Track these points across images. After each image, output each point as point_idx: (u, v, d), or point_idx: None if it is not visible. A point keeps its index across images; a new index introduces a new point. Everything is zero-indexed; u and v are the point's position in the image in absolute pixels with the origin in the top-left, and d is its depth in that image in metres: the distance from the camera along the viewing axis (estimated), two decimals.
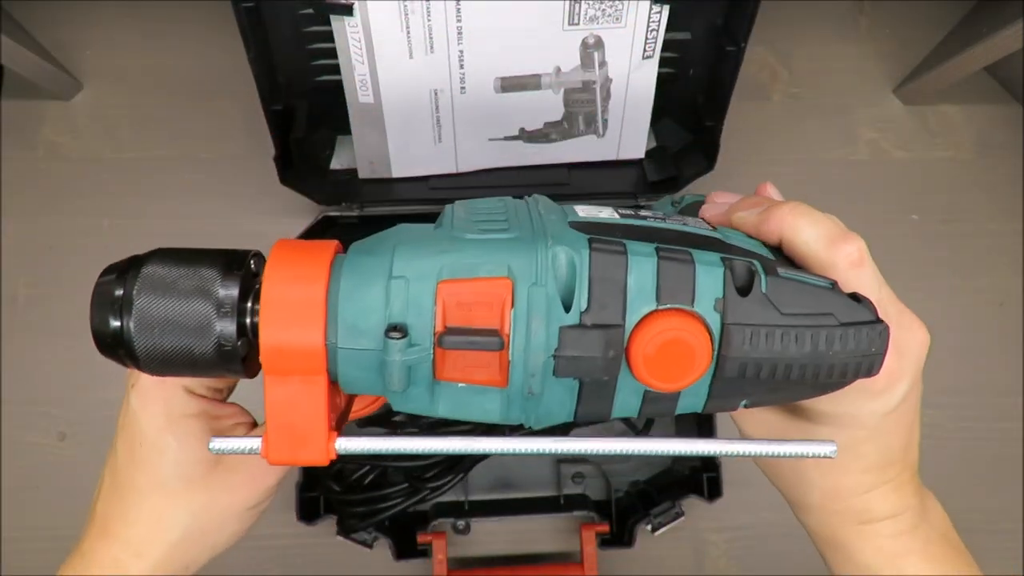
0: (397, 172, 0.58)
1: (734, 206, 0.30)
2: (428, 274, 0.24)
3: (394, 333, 0.24)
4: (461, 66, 0.50)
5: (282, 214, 0.62)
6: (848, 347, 0.24)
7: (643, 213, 0.28)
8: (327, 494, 0.54)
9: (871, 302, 0.25)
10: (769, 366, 0.24)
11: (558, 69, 0.51)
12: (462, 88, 0.52)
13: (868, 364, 0.25)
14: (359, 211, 0.57)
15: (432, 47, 0.49)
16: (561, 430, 0.50)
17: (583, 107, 0.54)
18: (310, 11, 0.48)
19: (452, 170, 0.58)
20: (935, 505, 0.32)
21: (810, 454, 0.26)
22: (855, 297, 0.25)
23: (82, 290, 0.27)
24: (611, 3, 0.47)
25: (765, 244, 0.28)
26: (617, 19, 0.48)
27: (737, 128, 0.58)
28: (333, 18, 0.47)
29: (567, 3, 0.47)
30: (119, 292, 0.26)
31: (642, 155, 0.59)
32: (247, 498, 0.33)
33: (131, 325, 0.26)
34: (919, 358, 0.28)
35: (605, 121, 0.55)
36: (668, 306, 0.24)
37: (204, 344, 0.26)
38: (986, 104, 0.69)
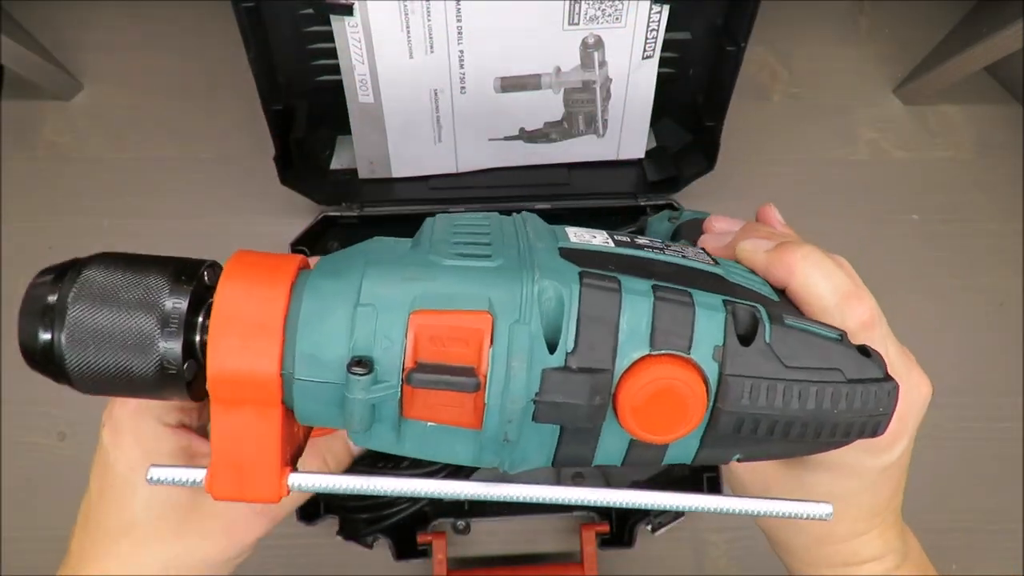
0: (397, 172, 0.58)
1: (738, 235, 0.28)
2: (399, 303, 0.22)
3: (358, 368, 0.21)
4: (461, 66, 0.50)
5: (282, 214, 0.62)
6: (855, 406, 0.22)
7: (640, 241, 0.26)
8: (330, 498, 0.54)
9: (880, 356, 0.23)
10: (768, 422, 0.22)
11: (558, 69, 0.51)
12: (462, 88, 0.52)
13: (873, 424, 0.23)
14: (359, 211, 0.57)
15: (432, 47, 0.49)
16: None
17: (583, 107, 0.54)
18: (310, 11, 0.48)
19: (452, 170, 0.58)
20: (912, 540, 0.32)
21: (807, 516, 0.24)
22: (864, 351, 0.23)
23: None
24: (611, 3, 0.47)
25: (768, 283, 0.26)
26: (617, 19, 0.48)
27: (737, 128, 0.58)
28: (333, 18, 0.47)
29: (567, 3, 0.47)
30: (52, 299, 0.23)
31: (642, 155, 0.59)
32: (224, 549, 0.30)
33: (62, 338, 0.23)
34: (921, 414, 0.28)
35: (605, 121, 0.55)
36: (662, 351, 0.22)
37: (145, 364, 0.23)
38: (986, 104, 0.69)
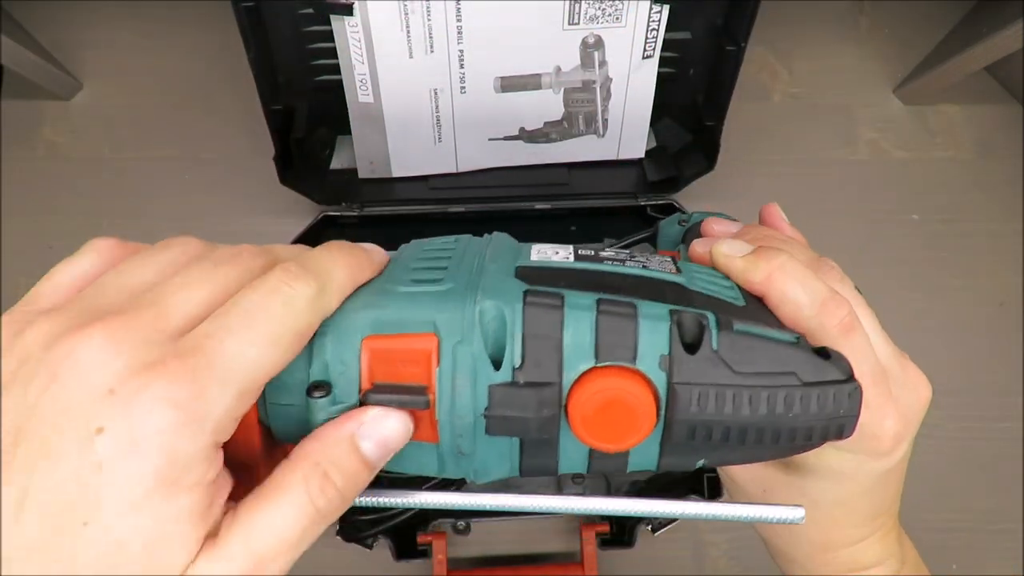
0: (397, 172, 0.58)
1: (718, 241, 0.28)
2: (353, 331, 0.23)
3: (316, 392, 0.22)
4: (461, 66, 0.50)
5: (282, 214, 0.62)
6: (811, 410, 0.22)
7: (604, 254, 0.26)
8: None
9: (843, 358, 0.23)
10: (721, 429, 0.22)
11: (558, 69, 0.51)
12: (462, 88, 0.52)
13: (837, 427, 0.23)
14: (359, 211, 0.57)
15: (432, 47, 0.49)
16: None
17: (583, 107, 0.54)
18: (310, 11, 0.48)
19: (452, 170, 0.58)
20: (908, 544, 0.32)
21: (778, 519, 0.24)
22: (823, 353, 0.23)
23: None
24: (611, 3, 0.47)
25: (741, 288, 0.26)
26: (617, 19, 0.48)
27: (737, 128, 0.58)
28: (333, 18, 0.47)
29: (567, 3, 0.47)
30: None
31: (642, 155, 0.59)
32: None
33: None
34: (921, 416, 0.27)
35: (605, 121, 0.55)
36: (608, 363, 0.22)
37: None
38: (986, 104, 0.69)
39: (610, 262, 0.26)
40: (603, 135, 0.56)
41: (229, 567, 0.19)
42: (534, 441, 0.23)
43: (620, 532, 0.57)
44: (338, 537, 0.53)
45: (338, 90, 0.51)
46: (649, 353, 0.22)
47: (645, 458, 0.24)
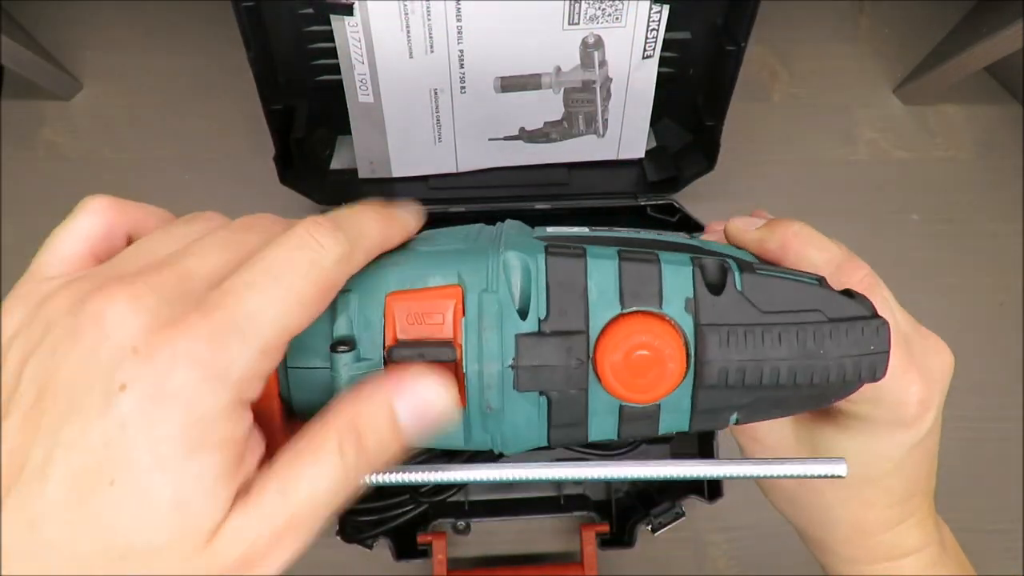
0: (397, 172, 0.58)
1: (731, 219, 0.28)
2: (376, 287, 0.23)
3: (341, 347, 0.22)
4: (461, 66, 0.50)
5: (282, 214, 0.61)
6: (842, 346, 0.22)
7: (618, 228, 0.27)
8: None
9: (866, 299, 0.23)
10: (753, 370, 0.22)
11: (558, 69, 0.51)
12: (462, 88, 0.52)
13: (870, 366, 0.23)
14: None
15: (432, 47, 0.49)
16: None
17: (583, 107, 0.54)
18: (310, 11, 0.48)
19: (452, 170, 0.58)
20: (946, 529, 0.32)
21: (819, 474, 0.23)
22: (848, 293, 0.23)
23: None
24: (611, 3, 0.47)
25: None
26: (617, 19, 0.48)
27: (737, 128, 0.58)
28: (333, 18, 0.47)
29: (567, 3, 0.47)
30: None
31: (642, 155, 0.59)
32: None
33: None
34: (946, 383, 0.27)
35: (605, 121, 0.55)
36: (634, 309, 0.22)
37: None
38: (986, 104, 0.69)
39: (625, 232, 0.26)
40: (603, 135, 0.56)
41: (262, 524, 0.19)
42: (563, 400, 0.23)
43: (620, 532, 0.57)
44: (338, 537, 0.53)
45: (338, 90, 0.51)
46: (674, 297, 0.22)
47: (676, 416, 0.23)
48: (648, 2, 0.47)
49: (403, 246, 0.25)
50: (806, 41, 0.70)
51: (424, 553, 0.55)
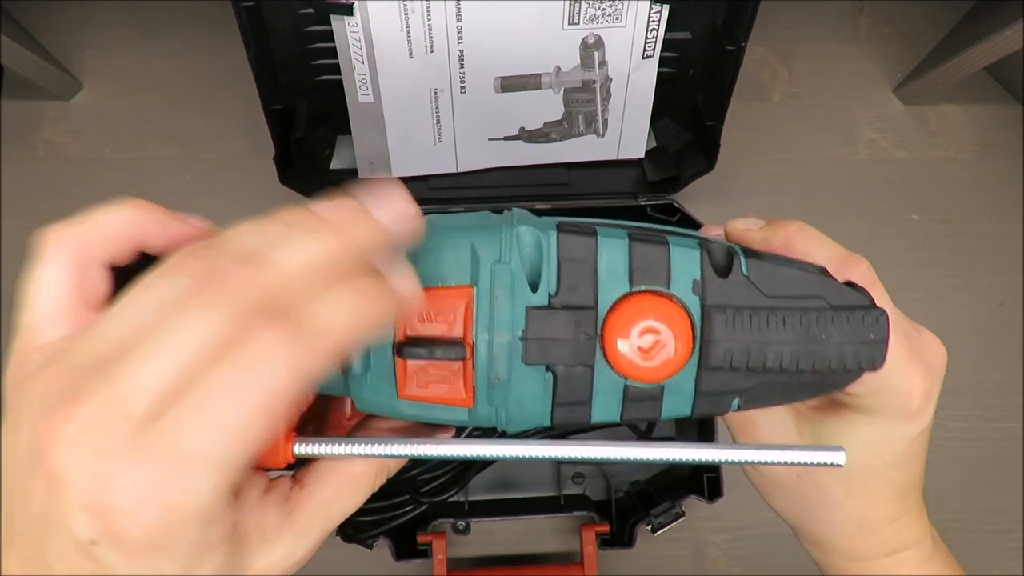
0: (397, 172, 0.58)
1: (732, 220, 0.29)
2: None
3: None
4: (461, 66, 0.50)
5: None
6: (843, 333, 0.22)
7: (624, 222, 0.27)
8: None
9: (865, 291, 0.24)
10: (757, 352, 0.22)
11: (558, 69, 0.51)
12: (462, 88, 0.52)
13: (869, 354, 0.23)
14: None
15: (432, 47, 0.49)
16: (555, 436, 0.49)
17: (583, 107, 0.54)
18: (310, 11, 0.48)
19: (452, 170, 0.58)
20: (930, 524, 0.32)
21: (819, 462, 0.23)
22: (849, 284, 0.24)
23: None
24: (611, 3, 0.47)
25: None
26: (617, 19, 0.48)
27: (737, 128, 0.58)
28: (333, 18, 0.47)
29: (567, 3, 0.47)
30: None
31: (642, 155, 0.59)
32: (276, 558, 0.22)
33: None
34: (942, 375, 0.28)
35: (605, 121, 0.55)
36: (642, 288, 0.23)
37: None
38: (986, 104, 0.69)
39: (633, 223, 0.26)
40: (603, 135, 0.56)
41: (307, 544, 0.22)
42: (568, 375, 0.23)
43: (620, 532, 0.57)
44: (338, 537, 0.53)
45: (338, 90, 0.51)
46: (682, 278, 0.23)
47: (680, 398, 0.24)
48: (648, 2, 0.47)
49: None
50: (806, 41, 0.70)
51: (424, 553, 0.55)
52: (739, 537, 0.60)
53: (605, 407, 0.24)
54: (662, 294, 0.23)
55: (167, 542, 0.17)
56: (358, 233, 0.19)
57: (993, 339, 0.64)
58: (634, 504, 0.59)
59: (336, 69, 0.50)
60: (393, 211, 0.20)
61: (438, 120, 0.54)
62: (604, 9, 0.47)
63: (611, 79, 0.52)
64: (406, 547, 0.55)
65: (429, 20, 0.47)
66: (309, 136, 0.56)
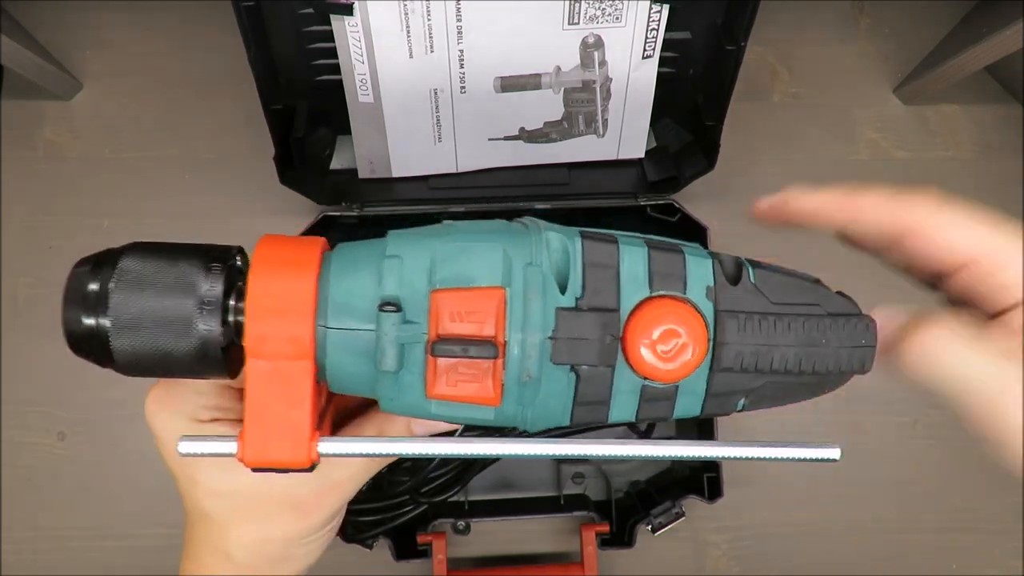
0: (397, 172, 0.58)
1: (792, 192, 0.29)
2: (422, 253, 0.24)
3: (388, 307, 0.23)
4: (461, 66, 0.50)
5: (282, 214, 0.62)
6: (839, 337, 0.25)
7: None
8: None
9: (854, 301, 0.26)
10: (765, 355, 0.24)
11: (558, 69, 0.51)
12: (462, 88, 0.52)
13: (860, 358, 0.25)
14: (359, 211, 0.57)
15: (432, 47, 0.49)
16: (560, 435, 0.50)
17: (583, 107, 0.54)
18: (310, 11, 0.48)
19: (452, 170, 0.58)
20: None
21: (814, 459, 0.25)
22: (840, 294, 0.26)
23: None
24: (611, 3, 0.47)
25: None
26: (617, 19, 0.48)
27: (737, 128, 0.58)
28: (333, 18, 0.47)
29: (567, 3, 0.47)
30: (93, 286, 0.24)
31: (642, 155, 0.59)
32: (308, 526, 0.31)
33: (107, 323, 0.24)
34: None
35: (605, 121, 0.55)
36: (661, 293, 0.24)
37: (185, 343, 0.24)
38: (986, 104, 0.69)
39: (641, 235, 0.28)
40: (603, 135, 0.56)
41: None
42: (591, 375, 0.24)
43: (620, 532, 0.57)
44: (338, 537, 0.53)
45: (338, 90, 0.51)
46: (697, 284, 0.25)
47: (691, 398, 0.25)
48: (648, 2, 0.47)
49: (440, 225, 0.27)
50: (806, 41, 0.70)
51: (424, 553, 0.55)
52: (739, 537, 0.60)
53: (622, 407, 0.25)
54: (680, 299, 0.24)
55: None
56: None
57: None
58: (634, 504, 0.59)
59: (336, 69, 0.50)
60: None
61: (438, 120, 0.54)
62: (604, 9, 0.47)
63: (611, 79, 0.52)
64: (406, 547, 0.55)
65: (429, 20, 0.47)
66: (309, 136, 0.56)
